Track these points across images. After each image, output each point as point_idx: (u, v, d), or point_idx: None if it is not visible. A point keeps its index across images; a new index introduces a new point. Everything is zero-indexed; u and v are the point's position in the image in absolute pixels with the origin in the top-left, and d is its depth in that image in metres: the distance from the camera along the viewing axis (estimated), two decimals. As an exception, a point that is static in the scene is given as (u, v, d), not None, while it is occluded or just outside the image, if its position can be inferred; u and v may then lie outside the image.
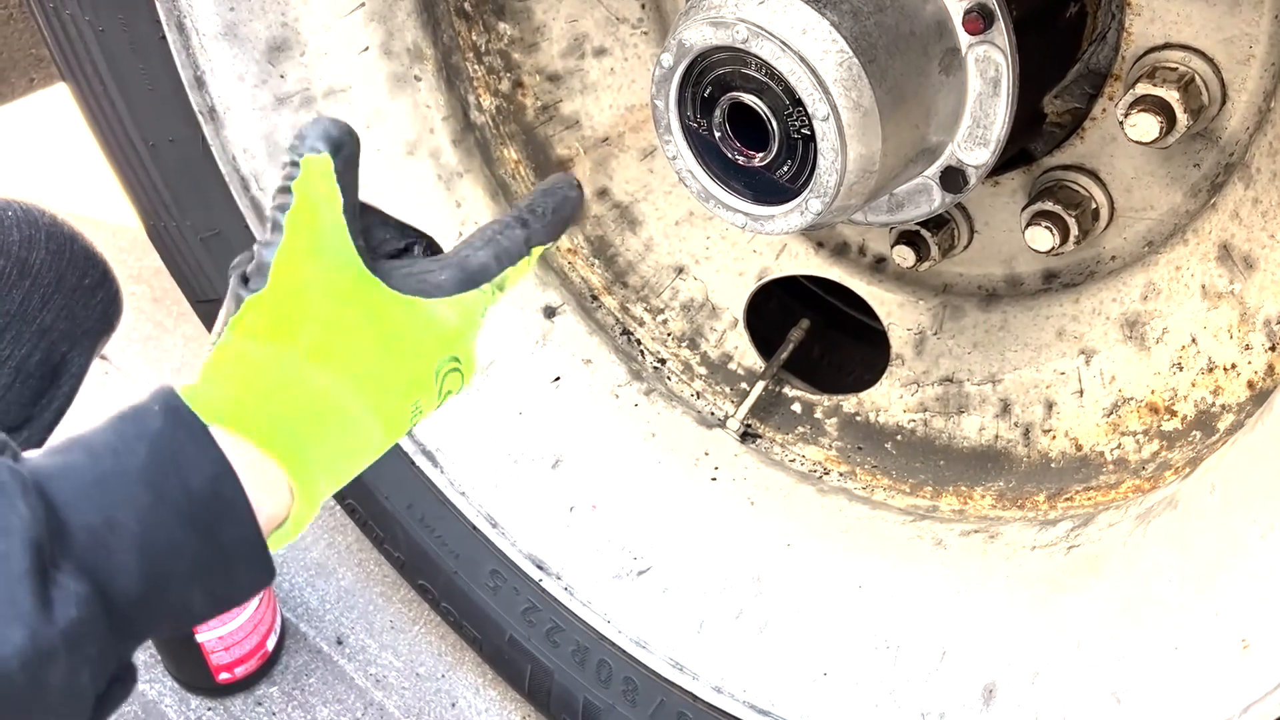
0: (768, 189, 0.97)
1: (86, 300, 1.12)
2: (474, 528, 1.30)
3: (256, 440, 0.64)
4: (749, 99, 0.93)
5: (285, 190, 0.68)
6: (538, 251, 0.79)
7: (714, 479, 1.29)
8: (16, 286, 1.07)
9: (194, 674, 1.43)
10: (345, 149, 0.69)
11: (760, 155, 0.96)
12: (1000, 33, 0.93)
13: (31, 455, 0.61)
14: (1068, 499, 1.12)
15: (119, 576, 0.58)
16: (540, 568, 1.27)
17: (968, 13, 0.93)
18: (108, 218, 2.07)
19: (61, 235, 1.09)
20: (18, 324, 1.07)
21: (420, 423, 0.75)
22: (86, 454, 0.60)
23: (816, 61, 0.89)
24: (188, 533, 0.60)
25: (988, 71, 0.95)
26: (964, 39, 0.94)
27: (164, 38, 1.16)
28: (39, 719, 0.56)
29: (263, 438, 0.64)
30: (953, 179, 1.02)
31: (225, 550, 0.61)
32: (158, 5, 1.15)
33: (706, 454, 1.31)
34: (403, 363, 0.70)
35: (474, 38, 1.33)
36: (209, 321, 1.38)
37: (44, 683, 0.55)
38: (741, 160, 0.97)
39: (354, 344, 0.68)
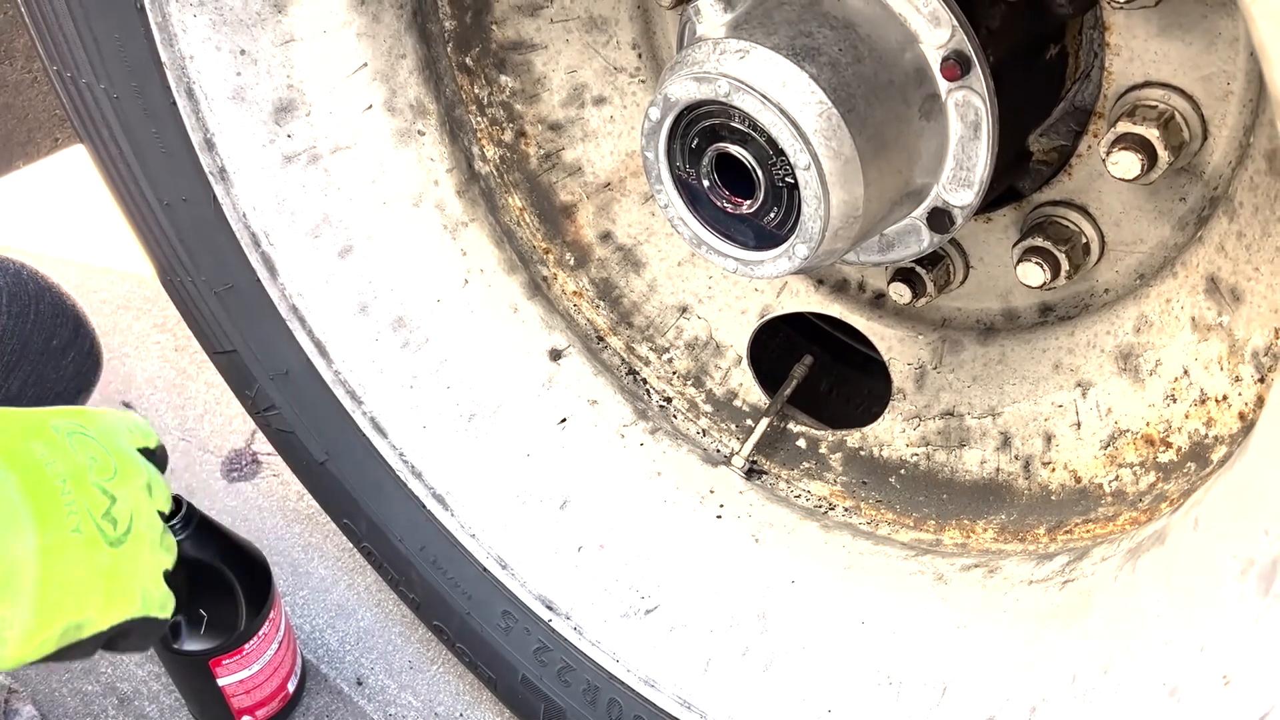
0: (756, 235, 1.00)
1: (56, 363, 1.04)
2: (485, 569, 1.33)
3: None
4: (734, 149, 0.96)
5: None
6: None
7: (719, 516, 1.30)
8: None
9: (217, 717, 1.46)
10: None
11: (748, 203, 0.98)
12: (978, 78, 0.95)
13: None
14: (1067, 532, 1.13)
15: None
16: (550, 608, 1.29)
17: (945, 60, 0.95)
18: (130, 268, 2.12)
19: (25, 295, 1.01)
20: None
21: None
22: None
23: (796, 113, 0.91)
24: None
25: (968, 115, 0.97)
26: (943, 85, 0.96)
27: (174, 103, 1.20)
28: None
29: None
30: (939, 220, 1.03)
31: None
32: (168, 72, 1.19)
33: (712, 491, 1.33)
34: (38, 428, 0.75)
35: (476, 91, 1.36)
36: (226, 372, 1.42)
37: None
38: (730, 208, 1.00)
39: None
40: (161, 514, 0.85)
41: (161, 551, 0.82)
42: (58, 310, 1.04)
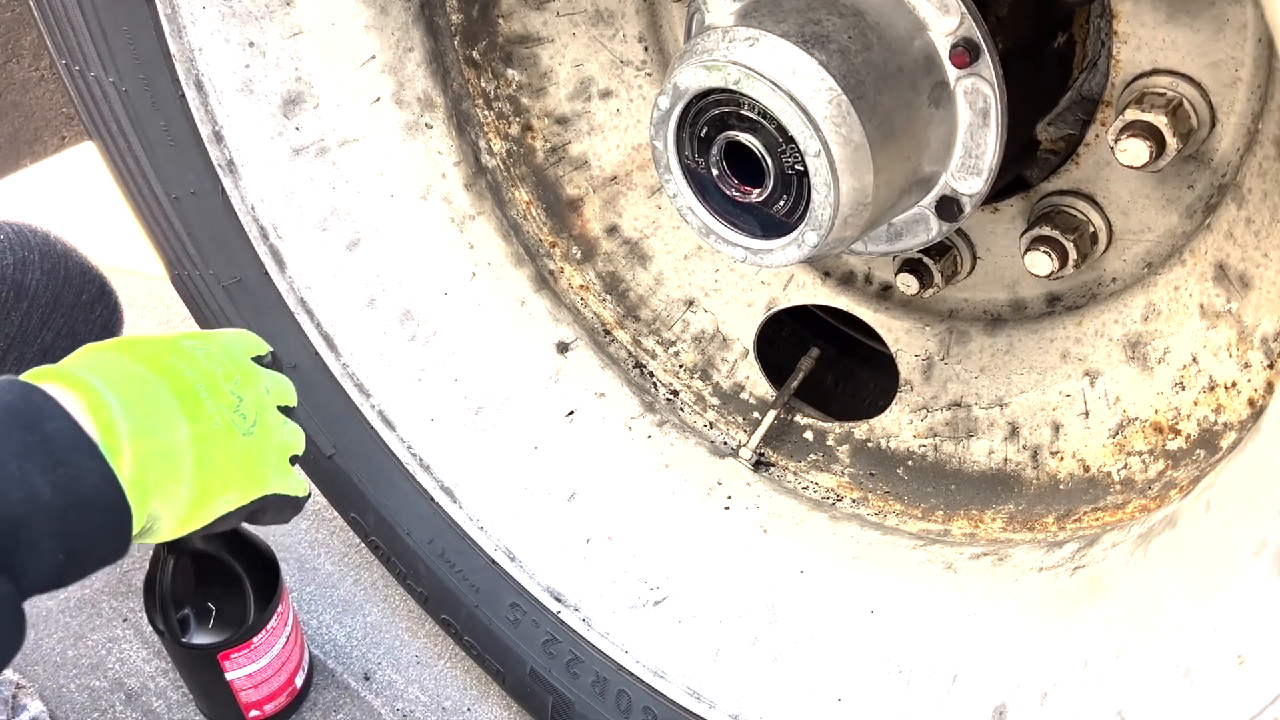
0: (766, 224, 1.00)
1: (86, 315, 1.14)
2: (493, 561, 1.33)
3: (65, 381, 0.76)
4: (744, 138, 0.96)
5: None
6: None
7: (727, 508, 1.30)
8: (14, 309, 1.11)
9: (225, 712, 1.46)
10: None
11: (757, 191, 0.99)
12: (987, 65, 0.96)
13: None
14: (1076, 520, 1.13)
15: None
16: (558, 600, 1.29)
17: (954, 47, 0.95)
18: (137, 266, 2.12)
19: (55, 254, 1.12)
20: (19, 345, 1.10)
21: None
22: None
23: (806, 100, 0.91)
24: (27, 468, 0.69)
25: (977, 103, 0.97)
26: (952, 72, 0.97)
27: (183, 95, 1.21)
28: None
29: (64, 377, 0.76)
30: (948, 208, 1.04)
31: (70, 493, 0.70)
32: (176, 65, 1.19)
33: (720, 483, 1.33)
34: (172, 347, 0.86)
35: (483, 85, 1.37)
36: (233, 366, 1.41)
37: None
38: (739, 196, 1.00)
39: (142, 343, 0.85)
40: (283, 409, 0.97)
41: (286, 439, 0.95)
42: (85, 269, 1.14)
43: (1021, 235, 1.12)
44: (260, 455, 0.89)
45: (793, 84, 0.92)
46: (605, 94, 1.37)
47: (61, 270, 1.11)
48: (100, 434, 0.75)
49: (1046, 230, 1.10)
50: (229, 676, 1.41)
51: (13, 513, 0.69)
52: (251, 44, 1.21)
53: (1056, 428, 1.18)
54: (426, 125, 1.33)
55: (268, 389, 0.96)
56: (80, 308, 1.13)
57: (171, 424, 0.81)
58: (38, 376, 0.78)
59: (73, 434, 0.72)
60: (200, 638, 1.37)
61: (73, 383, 0.77)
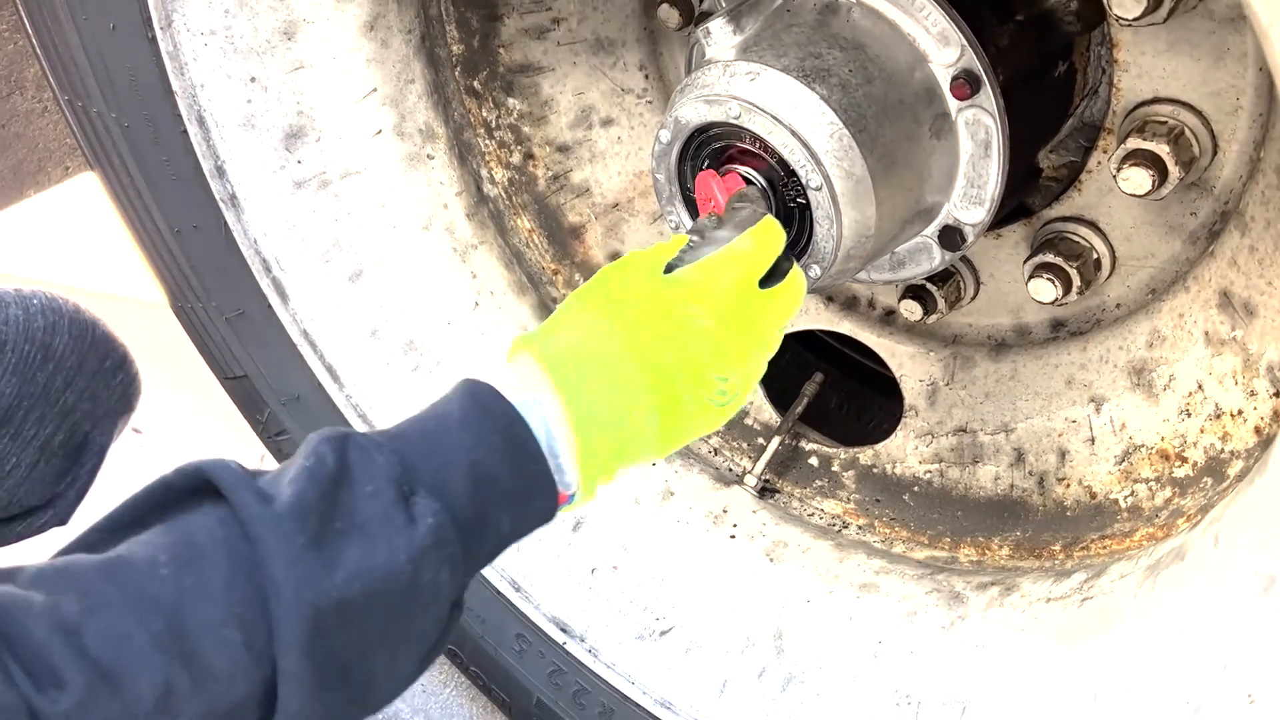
0: (769, 256, 1.00)
1: (107, 381, 1.19)
2: (498, 592, 1.32)
3: (532, 350, 0.82)
4: (745, 171, 0.96)
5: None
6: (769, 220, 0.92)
7: (733, 536, 1.30)
8: (41, 369, 1.15)
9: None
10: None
11: (759, 224, 0.98)
12: (988, 96, 0.96)
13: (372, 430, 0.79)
14: (1083, 548, 1.13)
15: (457, 498, 0.74)
16: (564, 630, 1.29)
17: (955, 79, 0.95)
18: (140, 295, 2.12)
19: (83, 321, 1.18)
20: (42, 405, 1.14)
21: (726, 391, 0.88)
22: (414, 420, 0.78)
23: (807, 134, 0.92)
24: (500, 464, 0.76)
25: (978, 134, 0.97)
26: (953, 104, 0.97)
27: (185, 131, 1.21)
28: (418, 610, 0.73)
29: (532, 345, 0.83)
30: (950, 237, 1.04)
31: (525, 480, 0.77)
32: (179, 100, 1.20)
33: (725, 511, 1.32)
34: (649, 315, 0.86)
35: (484, 114, 1.37)
36: (237, 398, 1.42)
37: (420, 578, 0.72)
38: (741, 229, 1.00)
39: (621, 303, 0.87)
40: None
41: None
42: (109, 339, 1.23)
43: (1025, 262, 1.12)
44: (729, 414, 0.91)
45: (794, 118, 0.92)
46: (606, 122, 1.37)
47: (88, 337, 1.17)
48: (562, 435, 0.80)
49: (1050, 257, 1.09)
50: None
51: (486, 512, 0.76)
52: (253, 79, 1.21)
53: (1062, 454, 1.18)
54: (428, 156, 1.33)
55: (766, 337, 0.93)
56: (103, 374, 1.18)
57: (638, 427, 0.85)
58: (525, 345, 0.84)
59: (545, 482, 0.79)
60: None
61: (553, 370, 0.82)
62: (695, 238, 0.90)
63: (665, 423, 0.86)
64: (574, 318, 0.87)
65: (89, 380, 1.15)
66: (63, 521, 1.17)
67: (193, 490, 0.72)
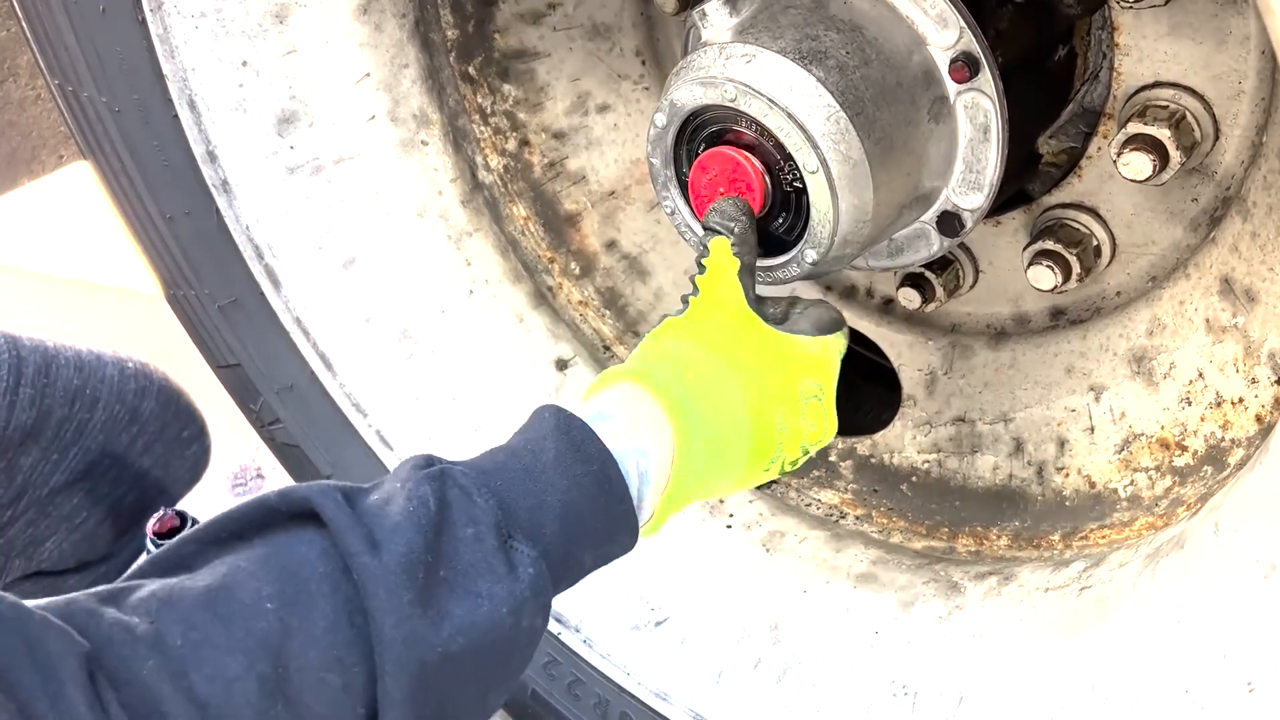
0: (765, 241, 0.99)
1: (182, 451, 1.26)
2: (493, 582, 1.31)
3: (654, 389, 0.85)
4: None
5: (699, 261, 0.93)
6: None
7: (729, 526, 1.29)
8: (126, 430, 1.21)
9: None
10: (739, 226, 0.92)
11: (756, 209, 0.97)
12: (987, 80, 0.94)
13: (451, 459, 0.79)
14: (1083, 538, 1.12)
15: (550, 541, 0.76)
16: (559, 620, 1.28)
17: (953, 62, 0.94)
18: (133, 284, 2.11)
19: (170, 391, 1.26)
20: (119, 466, 1.21)
21: (784, 462, 0.93)
22: (510, 455, 0.79)
23: (804, 117, 0.90)
24: (589, 506, 0.78)
25: (977, 118, 0.96)
26: (951, 87, 0.95)
27: (176, 115, 1.20)
28: (515, 656, 0.75)
29: (660, 389, 0.85)
30: (949, 223, 1.02)
31: (611, 520, 0.79)
32: (169, 83, 1.18)
33: (721, 501, 1.31)
34: (769, 373, 0.90)
35: (479, 100, 1.36)
36: (230, 386, 1.41)
37: (520, 626, 0.73)
38: (737, 214, 0.98)
39: (735, 352, 0.90)
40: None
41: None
42: (191, 411, 1.34)
43: (1024, 249, 1.11)
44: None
45: (790, 101, 0.91)
46: (603, 108, 1.36)
47: (173, 406, 1.24)
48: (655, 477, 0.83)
49: (1049, 244, 1.08)
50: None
51: (574, 552, 0.78)
52: (245, 63, 1.20)
53: (1061, 443, 1.17)
54: (422, 142, 1.32)
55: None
56: (179, 443, 1.26)
57: (727, 483, 0.90)
58: (644, 377, 0.86)
59: (629, 521, 0.81)
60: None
61: (676, 415, 0.84)
62: (746, 277, 0.93)
63: (744, 482, 0.90)
64: (688, 356, 0.89)
65: (166, 448, 1.20)
66: (112, 580, 1.19)
67: (292, 514, 0.72)
